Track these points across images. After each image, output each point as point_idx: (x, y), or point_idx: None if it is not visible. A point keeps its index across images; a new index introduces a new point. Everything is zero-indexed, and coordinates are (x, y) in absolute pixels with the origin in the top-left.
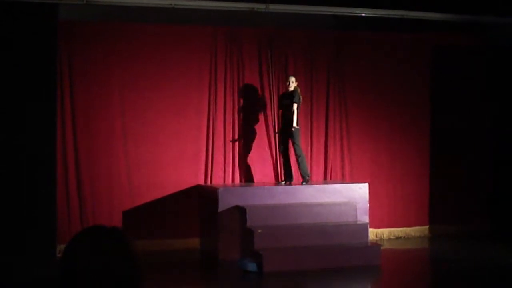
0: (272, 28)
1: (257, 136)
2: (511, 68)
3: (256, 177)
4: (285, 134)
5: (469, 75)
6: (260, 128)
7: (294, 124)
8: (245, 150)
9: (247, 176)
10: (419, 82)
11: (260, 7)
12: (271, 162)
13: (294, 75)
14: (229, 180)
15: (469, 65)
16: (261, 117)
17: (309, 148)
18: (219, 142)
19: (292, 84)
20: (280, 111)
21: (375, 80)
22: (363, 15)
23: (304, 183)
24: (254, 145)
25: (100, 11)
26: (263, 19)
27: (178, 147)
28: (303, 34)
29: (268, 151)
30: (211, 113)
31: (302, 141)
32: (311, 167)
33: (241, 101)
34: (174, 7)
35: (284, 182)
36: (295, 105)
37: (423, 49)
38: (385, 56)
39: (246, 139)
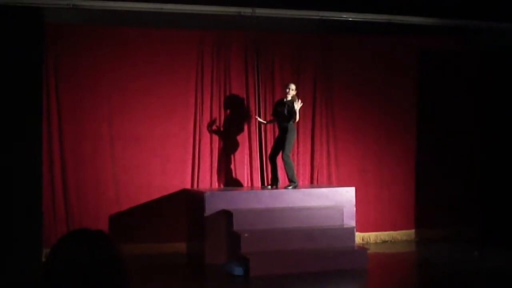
0: (258, 32)
1: (243, 140)
2: (498, 72)
3: (243, 181)
4: (279, 140)
5: (456, 79)
6: (246, 132)
7: (297, 118)
8: (232, 154)
9: (233, 180)
10: (406, 86)
11: (247, 11)
12: (258, 167)
13: (294, 83)
14: (215, 184)
15: (456, 69)
16: (247, 121)
17: (296, 151)
18: (206, 146)
19: (292, 91)
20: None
21: (362, 84)
22: (350, 19)
23: (288, 187)
24: (241, 149)
25: (87, 15)
26: (250, 23)
27: (165, 151)
28: (289, 38)
29: (255, 156)
30: (198, 116)
31: None
32: (297, 171)
33: (228, 105)
34: (161, 11)
35: (270, 186)
36: (296, 113)
37: (410, 53)
38: (372, 60)
39: (232, 143)
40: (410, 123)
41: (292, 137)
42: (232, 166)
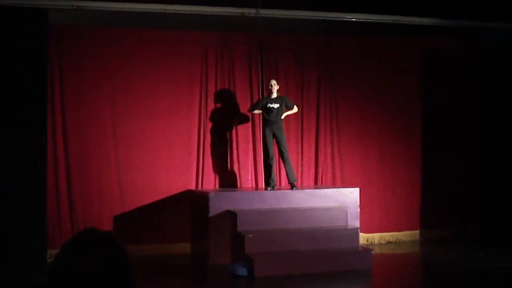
0: (262, 33)
1: (247, 141)
2: (502, 73)
3: (247, 182)
4: (273, 139)
5: (459, 80)
6: (250, 133)
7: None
8: (236, 155)
9: (238, 181)
10: (410, 87)
11: (251, 12)
12: (262, 167)
13: (275, 79)
14: (220, 185)
15: (459, 69)
16: (252, 122)
17: (300, 152)
18: (210, 147)
19: (275, 87)
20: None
21: (366, 84)
22: (354, 20)
23: (295, 188)
24: (245, 150)
25: (91, 16)
26: (254, 24)
27: (169, 152)
28: (293, 39)
29: (259, 156)
30: (202, 117)
31: (293, 146)
32: (301, 172)
33: (232, 106)
34: (165, 12)
35: (271, 187)
36: (295, 108)
37: (414, 54)
38: (375, 60)
39: (237, 144)
40: (415, 124)
41: (283, 133)
42: (236, 167)
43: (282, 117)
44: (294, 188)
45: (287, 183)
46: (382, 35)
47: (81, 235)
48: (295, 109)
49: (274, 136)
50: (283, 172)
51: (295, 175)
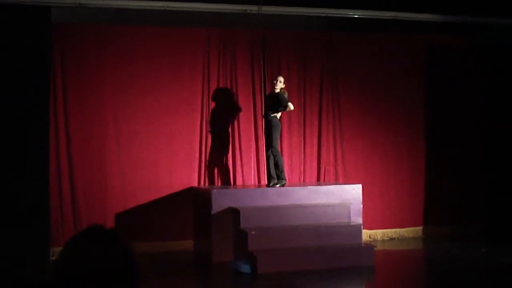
0: (264, 29)
1: (250, 139)
2: (505, 68)
3: (250, 179)
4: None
5: (463, 76)
6: (253, 130)
7: (277, 114)
8: (239, 152)
9: (240, 178)
10: (413, 83)
11: (253, 8)
12: (263, 164)
13: (283, 76)
14: (222, 182)
15: (463, 65)
16: (254, 120)
17: (302, 149)
18: (213, 144)
19: (280, 84)
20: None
21: (368, 81)
22: (356, 16)
23: (276, 185)
24: (247, 147)
25: (93, 13)
26: (256, 21)
27: (171, 149)
28: (296, 35)
29: (262, 153)
30: (204, 115)
31: (295, 142)
32: (304, 168)
33: (234, 103)
34: (166, 9)
35: (279, 184)
36: (291, 105)
37: (417, 50)
38: (378, 57)
39: (239, 142)
40: (418, 120)
41: (278, 131)
42: (239, 164)
43: (275, 114)
44: (275, 184)
45: (293, 179)
46: (385, 32)
47: (85, 233)
48: (290, 107)
49: (264, 132)
50: (289, 168)
51: (283, 174)
